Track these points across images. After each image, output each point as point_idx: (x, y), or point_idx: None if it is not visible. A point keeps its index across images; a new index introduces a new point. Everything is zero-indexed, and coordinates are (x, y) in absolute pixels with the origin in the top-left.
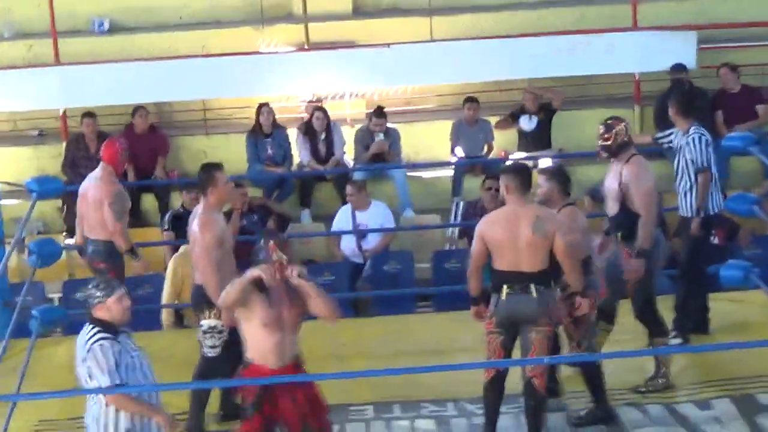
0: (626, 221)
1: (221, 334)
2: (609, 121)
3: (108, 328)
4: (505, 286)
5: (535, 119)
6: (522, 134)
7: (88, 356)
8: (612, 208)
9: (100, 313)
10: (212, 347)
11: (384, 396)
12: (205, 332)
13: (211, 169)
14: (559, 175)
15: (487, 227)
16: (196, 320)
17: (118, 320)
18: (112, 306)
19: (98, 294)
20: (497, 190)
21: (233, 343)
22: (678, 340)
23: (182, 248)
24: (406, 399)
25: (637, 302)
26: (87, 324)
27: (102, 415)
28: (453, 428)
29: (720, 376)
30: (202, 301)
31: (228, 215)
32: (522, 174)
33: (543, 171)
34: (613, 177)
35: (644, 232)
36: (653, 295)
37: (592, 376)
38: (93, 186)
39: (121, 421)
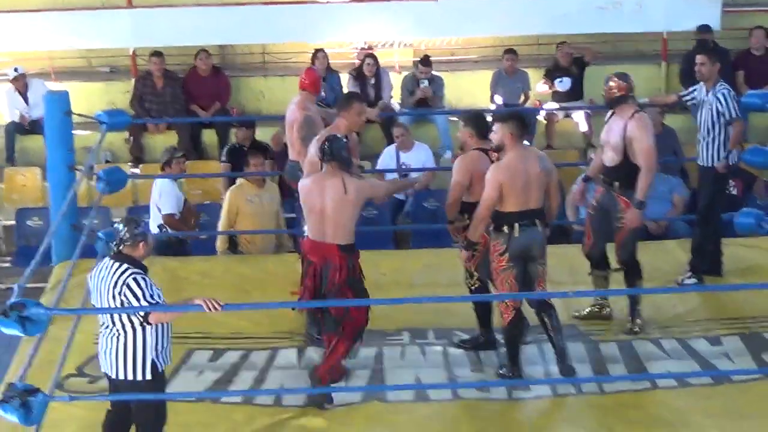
0: (628, 172)
1: None
2: (609, 76)
3: (137, 264)
4: (516, 224)
5: (567, 81)
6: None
7: (124, 290)
8: (612, 159)
9: (128, 250)
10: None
11: (419, 323)
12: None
13: (351, 96)
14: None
15: (505, 173)
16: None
17: (141, 259)
18: (143, 248)
19: (136, 233)
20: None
21: None
22: (693, 280)
23: (238, 181)
24: (440, 326)
25: (626, 248)
26: (110, 260)
27: (130, 347)
28: (481, 355)
29: (731, 315)
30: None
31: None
32: (521, 121)
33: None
34: (615, 130)
35: (643, 184)
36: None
37: (483, 309)
38: (290, 110)
39: (148, 353)
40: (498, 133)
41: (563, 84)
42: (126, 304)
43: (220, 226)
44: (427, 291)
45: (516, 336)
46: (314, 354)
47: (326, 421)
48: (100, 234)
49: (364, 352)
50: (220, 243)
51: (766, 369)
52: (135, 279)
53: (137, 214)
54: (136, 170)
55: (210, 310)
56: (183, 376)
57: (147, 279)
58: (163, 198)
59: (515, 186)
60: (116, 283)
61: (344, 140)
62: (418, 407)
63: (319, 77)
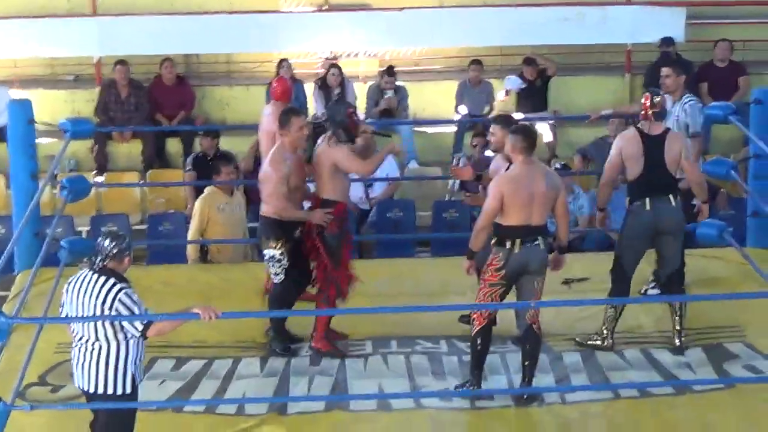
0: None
1: (280, 262)
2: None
3: (122, 279)
4: (518, 240)
5: (516, 80)
6: (520, 98)
7: (116, 305)
8: None
9: (113, 264)
10: (276, 274)
11: (382, 332)
12: (267, 261)
13: (290, 112)
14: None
15: (508, 185)
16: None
17: (124, 272)
18: (128, 262)
19: (123, 248)
20: (482, 146)
21: (293, 267)
22: (656, 291)
23: (207, 189)
24: (403, 335)
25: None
26: (92, 273)
27: (112, 360)
28: (444, 364)
29: (693, 326)
30: (264, 232)
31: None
32: (530, 136)
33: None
34: None
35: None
36: (620, 259)
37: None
38: (266, 120)
39: (129, 366)
40: (497, 135)
41: (511, 82)
42: (119, 322)
43: (191, 234)
44: (390, 300)
45: (483, 345)
46: (276, 363)
47: (288, 430)
48: (63, 243)
49: (326, 361)
50: (191, 251)
51: (727, 379)
52: (127, 294)
53: (101, 222)
54: (100, 179)
55: (207, 319)
56: (145, 384)
57: (135, 294)
58: None
59: (517, 199)
60: (105, 298)
61: (345, 107)
62: (380, 416)
63: (291, 86)
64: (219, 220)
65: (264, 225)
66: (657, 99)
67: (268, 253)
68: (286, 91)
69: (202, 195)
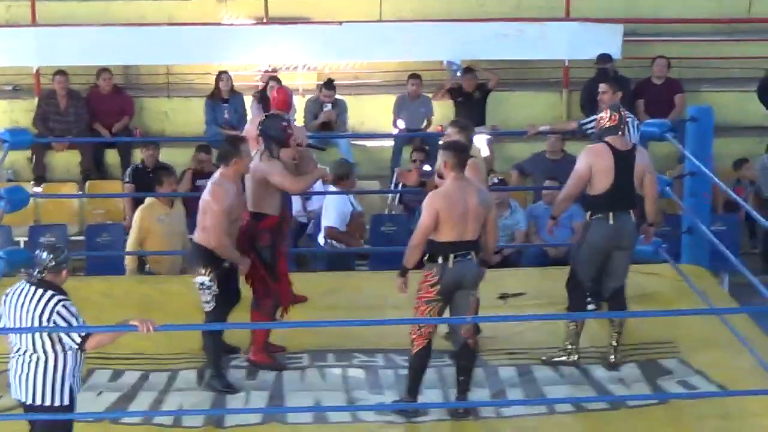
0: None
1: (210, 288)
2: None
3: (61, 291)
4: (452, 255)
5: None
6: (458, 112)
7: (54, 317)
8: None
9: (51, 277)
10: (207, 302)
11: (319, 345)
12: (198, 288)
13: (237, 141)
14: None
15: (442, 201)
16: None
17: (62, 284)
18: (65, 274)
19: (60, 260)
20: (421, 161)
21: (222, 292)
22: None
23: (147, 200)
24: (340, 349)
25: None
26: (30, 286)
27: (50, 372)
28: (381, 377)
29: (628, 342)
30: (198, 259)
31: (181, 176)
32: (462, 152)
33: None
34: None
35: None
36: (577, 271)
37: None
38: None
39: (67, 378)
40: (439, 159)
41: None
42: (57, 335)
43: (129, 244)
44: (328, 314)
45: (421, 366)
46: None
47: None
48: (0, 253)
49: (263, 374)
50: (130, 261)
51: (661, 395)
52: (65, 306)
53: (40, 233)
54: (38, 189)
55: (145, 331)
56: (83, 396)
57: (74, 306)
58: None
59: (452, 215)
60: (43, 310)
61: (278, 121)
62: (317, 429)
63: (291, 96)
64: (158, 232)
65: (195, 252)
66: (624, 114)
67: (198, 279)
68: (287, 100)
69: (142, 206)
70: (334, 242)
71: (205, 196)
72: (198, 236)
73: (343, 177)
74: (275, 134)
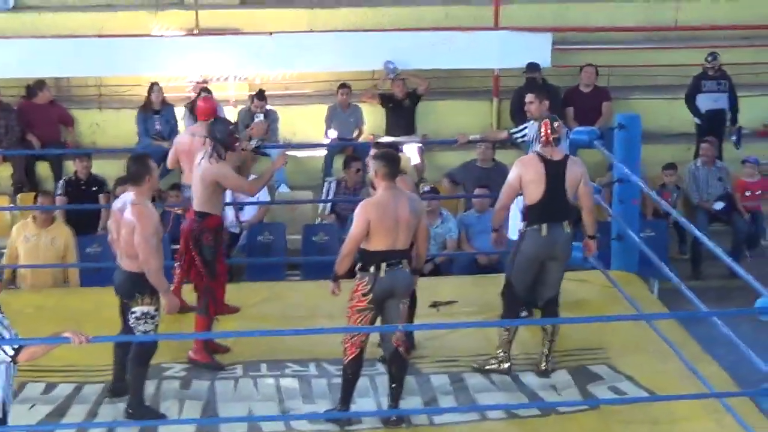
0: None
1: (154, 318)
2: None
3: None
4: (383, 264)
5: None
6: (389, 120)
7: None
8: None
9: None
10: (146, 332)
11: (252, 355)
12: (138, 318)
13: (146, 158)
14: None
15: (374, 210)
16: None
17: None
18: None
19: None
20: (358, 169)
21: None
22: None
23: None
24: (273, 359)
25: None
26: None
27: None
28: (314, 387)
29: (559, 348)
30: (135, 288)
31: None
32: (393, 161)
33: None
34: None
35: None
36: (512, 281)
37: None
38: (196, 141)
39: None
40: (370, 169)
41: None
42: None
43: (5, 258)
44: (261, 324)
45: (354, 375)
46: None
47: None
48: None
49: (196, 384)
50: (6, 273)
51: (591, 401)
52: None
53: None
54: None
55: (78, 343)
56: (15, 409)
57: (6, 319)
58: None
59: (383, 225)
60: None
61: (226, 125)
62: None
63: (216, 105)
64: (23, 250)
65: (130, 281)
66: (556, 124)
67: (139, 310)
68: (211, 109)
69: (18, 223)
70: None
71: (128, 218)
72: (127, 263)
73: None
74: (222, 138)
